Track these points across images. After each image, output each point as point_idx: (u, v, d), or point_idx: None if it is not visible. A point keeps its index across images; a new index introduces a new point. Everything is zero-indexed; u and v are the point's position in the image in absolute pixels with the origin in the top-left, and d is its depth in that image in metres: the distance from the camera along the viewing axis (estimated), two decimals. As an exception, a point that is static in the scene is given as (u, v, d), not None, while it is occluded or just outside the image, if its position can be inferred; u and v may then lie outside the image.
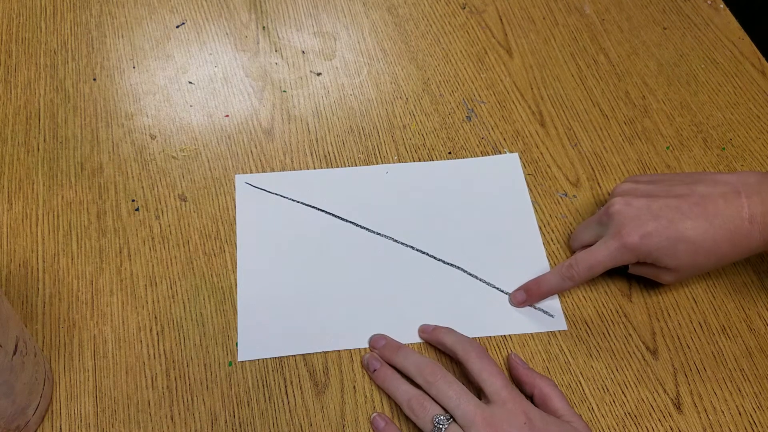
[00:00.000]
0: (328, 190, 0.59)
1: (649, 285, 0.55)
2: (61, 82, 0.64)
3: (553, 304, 0.54)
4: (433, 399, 0.46)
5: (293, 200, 0.58)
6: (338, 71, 0.67)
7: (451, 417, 0.45)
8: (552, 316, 0.53)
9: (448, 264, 0.55)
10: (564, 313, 0.53)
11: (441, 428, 0.44)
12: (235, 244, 0.56)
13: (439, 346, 0.51)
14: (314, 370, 0.50)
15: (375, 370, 0.49)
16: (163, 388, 0.49)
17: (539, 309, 0.53)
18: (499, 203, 0.59)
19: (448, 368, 0.50)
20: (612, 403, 0.50)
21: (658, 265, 0.50)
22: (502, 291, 0.54)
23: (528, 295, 0.53)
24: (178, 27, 0.69)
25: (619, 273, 0.55)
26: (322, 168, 0.61)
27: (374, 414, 0.48)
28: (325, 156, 0.61)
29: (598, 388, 0.50)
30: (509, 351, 0.51)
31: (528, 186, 0.60)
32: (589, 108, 0.65)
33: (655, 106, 0.66)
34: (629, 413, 0.49)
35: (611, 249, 0.50)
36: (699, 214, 0.48)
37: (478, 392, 0.47)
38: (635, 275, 0.54)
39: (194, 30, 0.69)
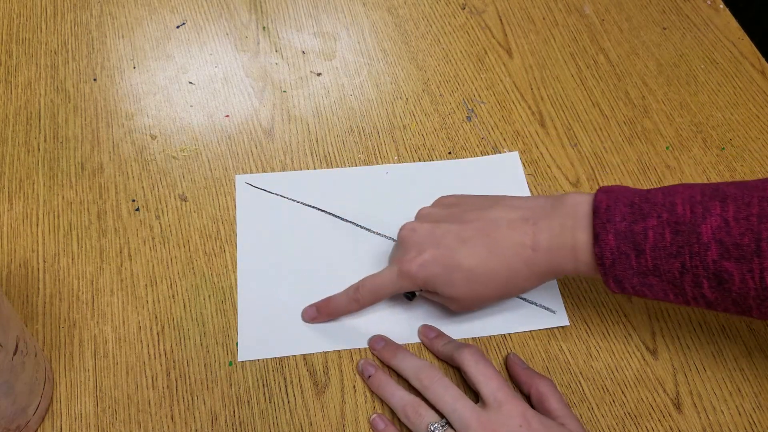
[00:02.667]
0: (328, 190, 0.59)
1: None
2: (62, 82, 0.64)
3: (554, 300, 0.54)
4: (429, 403, 0.46)
5: (293, 200, 0.58)
6: (338, 71, 0.67)
7: (447, 423, 0.45)
8: (554, 312, 0.53)
9: (448, 264, 0.56)
10: (565, 308, 0.53)
11: None
12: (236, 244, 0.56)
13: (434, 353, 0.51)
14: (314, 370, 0.50)
15: (370, 377, 0.49)
16: (163, 387, 0.49)
17: (540, 306, 0.53)
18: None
19: (446, 371, 0.50)
20: (612, 403, 0.50)
21: (439, 293, 0.49)
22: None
23: (318, 313, 0.52)
24: (178, 27, 0.69)
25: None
26: (322, 168, 0.61)
27: (374, 415, 0.48)
28: (325, 156, 0.61)
29: (597, 388, 0.50)
30: (509, 351, 0.51)
31: (528, 186, 0.60)
32: (588, 108, 0.65)
33: (654, 107, 0.66)
34: (629, 413, 0.49)
35: (392, 275, 0.49)
36: (479, 242, 0.47)
37: (477, 395, 0.47)
38: None
39: (194, 30, 0.69)
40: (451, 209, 0.50)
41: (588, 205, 0.45)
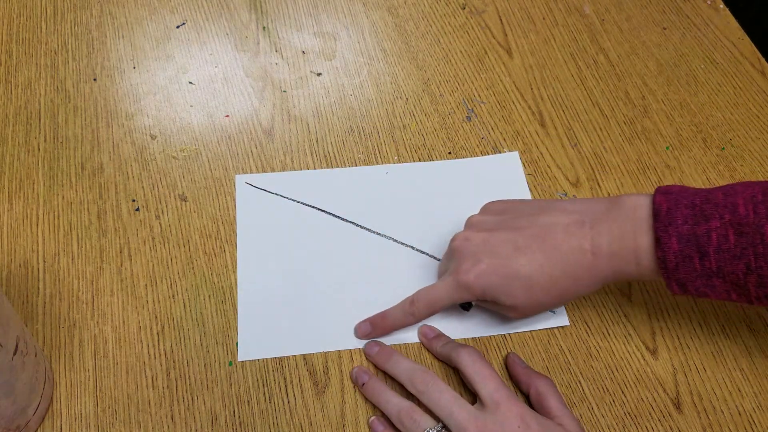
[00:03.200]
0: (328, 190, 0.59)
1: (649, 285, 0.55)
2: (62, 82, 0.64)
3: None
4: (426, 407, 0.46)
5: (293, 200, 0.58)
6: (338, 71, 0.67)
7: (443, 427, 0.44)
8: (553, 312, 0.53)
9: (448, 264, 0.56)
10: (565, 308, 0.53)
11: None
12: (235, 244, 0.56)
13: (433, 353, 0.51)
14: (314, 370, 0.50)
15: (364, 384, 0.49)
16: (163, 387, 0.49)
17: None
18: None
19: (443, 374, 0.50)
20: (612, 402, 0.50)
21: (497, 303, 0.48)
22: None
23: (373, 328, 0.51)
24: (178, 27, 0.69)
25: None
26: (322, 168, 0.61)
27: (372, 418, 0.48)
28: (325, 156, 0.61)
29: (597, 388, 0.50)
30: (509, 351, 0.51)
31: (528, 186, 0.60)
32: (589, 108, 0.65)
33: (654, 106, 0.66)
34: (629, 413, 0.49)
35: (448, 287, 0.49)
36: (536, 248, 0.46)
37: (474, 396, 0.47)
38: None
39: (194, 30, 0.69)
40: (503, 216, 0.50)
41: (647, 207, 0.44)
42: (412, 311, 0.51)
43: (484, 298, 0.48)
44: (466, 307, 0.52)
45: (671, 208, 0.43)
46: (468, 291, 0.48)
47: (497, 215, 0.50)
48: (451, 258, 0.50)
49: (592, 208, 0.47)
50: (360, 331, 0.52)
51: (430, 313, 0.51)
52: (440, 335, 0.51)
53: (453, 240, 0.50)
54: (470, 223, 0.51)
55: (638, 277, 0.46)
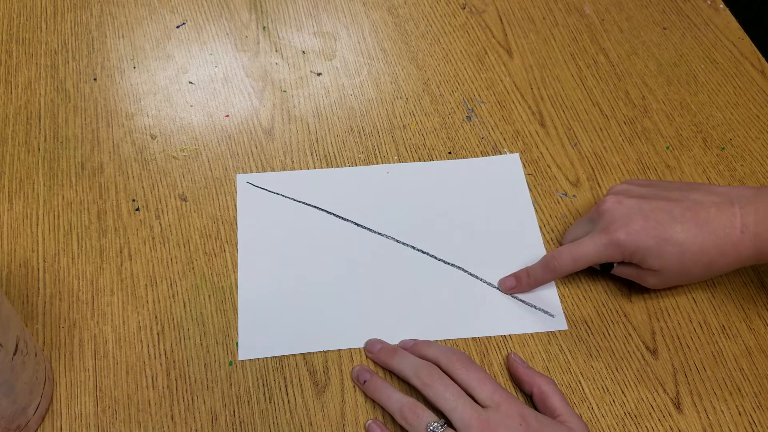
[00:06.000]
0: (328, 190, 0.59)
1: (649, 285, 0.55)
2: (62, 82, 0.64)
3: (553, 303, 0.54)
4: (429, 401, 0.46)
5: (294, 200, 0.58)
6: (338, 71, 0.67)
7: (445, 423, 0.45)
8: (552, 315, 0.53)
9: (448, 264, 0.56)
10: (564, 313, 0.53)
11: None
12: (236, 243, 0.56)
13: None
14: (314, 369, 0.50)
15: (365, 381, 0.49)
16: (163, 387, 0.49)
17: (539, 309, 0.53)
18: (500, 203, 0.59)
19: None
20: (612, 403, 0.50)
21: (643, 266, 0.50)
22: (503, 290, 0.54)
23: (518, 283, 0.53)
24: (178, 27, 0.69)
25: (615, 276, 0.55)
26: (322, 168, 0.61)
27: (369, 421, 0.48)
28: (326, 156, 0.61)
29: (598, 388, 0.50)
30: (509, 351, 0.51)
31: (528, 186, 0.60)
32: (589, 108, 0.65)
33: (654, 106, 0.66)
34: (629, 413, 0.49)
35: (597, 243, 0.50)
36: (690, 218, 0.48)
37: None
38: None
39: (195, 30, 0.69)
40: (652, 188, 0.52)
41: None
42: (553, 266, 0.52)
43: (632, 259, 0.50)
44: (607, 267, 0.52)
45: None
46: (618, 248, 0.49)
47: (645, 187, 0.52)
48: (598, 219, 0.51)
49: (741, 192, 0.49)
50: (505, 285, 0.54)
51: (573, 269, 0.52)
52: (419, 340, 0.51)
53: (602, 203, 0.51)
54: (616, 190, 0.53)
55: None
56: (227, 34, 0.69)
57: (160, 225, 0.56)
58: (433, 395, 0.46)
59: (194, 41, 0.68)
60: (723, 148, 0.63)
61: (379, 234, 0.57)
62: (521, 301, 0.54)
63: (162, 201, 0.58)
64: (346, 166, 0.61)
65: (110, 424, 0.48)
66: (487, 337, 0.52)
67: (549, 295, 0.54)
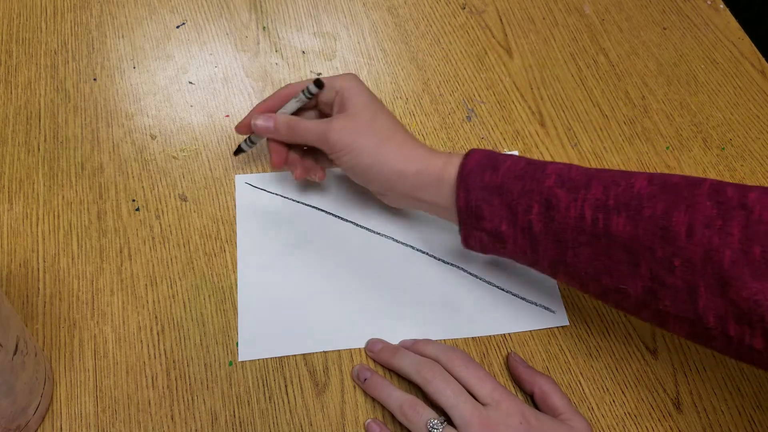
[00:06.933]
0: (328, 190, 0.59)
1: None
2: (62, 82, 0.64)
3: (554, 299, 0.54)
4: (430, 398, 0.46)
5: (293, 200, 0.58)
6: (338, 71, 0.67)
7: (445, 420, 0.45)
8: (553, 312, 0.53)
9: (448, 263, 0.56)
10: (565, 308, 0.53)
11: None
12: (236, 244, 0.56)
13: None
14: (314, 369, 0.50)
15: (366, 380, 0.49)
16: (163, 387, 0.49)
17: (540, 305, 0.53)
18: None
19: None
20: (612, 402, 0.50)
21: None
22: (503, 289, 0.54)
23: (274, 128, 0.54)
24: (178, 27, 0.69)
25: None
26: (322, 168, 0.61)
27: (369, 420, 0.48)
28: (326, 156, 0.61)
29: (598, 388, 0.50)
30: (509, 350, 0.52)
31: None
32: (589, 108, 0.65)
33: (654, 106, 0.66)
34: (629, 413, 0.49)
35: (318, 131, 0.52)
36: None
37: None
38: None
39: (194, 30, 0.69)
40: None
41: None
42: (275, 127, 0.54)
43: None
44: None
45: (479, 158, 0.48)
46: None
47: None
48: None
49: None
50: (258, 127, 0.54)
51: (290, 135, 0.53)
52: (418, 339, 0.51)
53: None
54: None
55: (435, 197, 0.49)
56: (227, 34, 0.69)
57: (160, 225, 0.56)
58: (434, 391, 0.46)
59: (194, 41, 0.68)
60: (723, 149, 0.63)
61: (379, 234, 0.57)
62: (522, 298, 0.54)
63: (162, 201, 0.58)
64: (346, 166, 0.61)
65: (110, 424, 0.48)
66: (487, 337, 0.52)
67: (550, 290, 0.54)
